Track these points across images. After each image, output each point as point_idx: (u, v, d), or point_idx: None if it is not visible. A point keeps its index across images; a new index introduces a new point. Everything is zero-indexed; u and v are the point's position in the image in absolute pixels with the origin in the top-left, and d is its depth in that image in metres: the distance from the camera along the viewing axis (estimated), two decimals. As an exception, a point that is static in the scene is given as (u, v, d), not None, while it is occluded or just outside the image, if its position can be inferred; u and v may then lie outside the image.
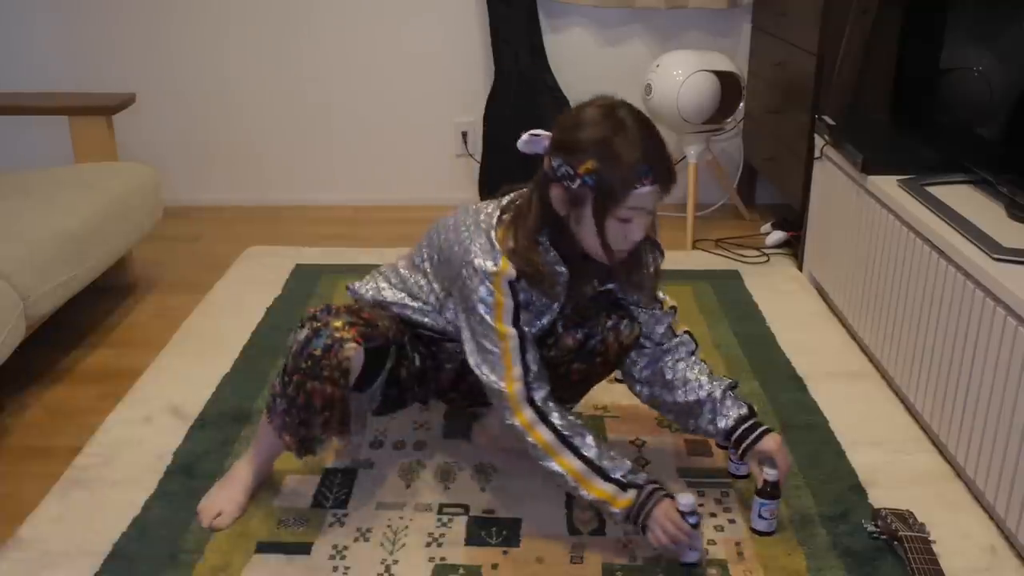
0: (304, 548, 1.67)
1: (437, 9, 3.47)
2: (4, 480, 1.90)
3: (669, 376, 1.77)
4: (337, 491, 1.83)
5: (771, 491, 1.67)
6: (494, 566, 1.62)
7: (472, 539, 1.69)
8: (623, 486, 1.58)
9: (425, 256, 1.75)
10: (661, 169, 1.51)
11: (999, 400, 1.67)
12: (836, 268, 2.59)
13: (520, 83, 3.40)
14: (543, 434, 1.60)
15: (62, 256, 2.27)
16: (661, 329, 1.79)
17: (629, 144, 1.49)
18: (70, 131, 2.83)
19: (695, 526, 1.57)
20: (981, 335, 1.74)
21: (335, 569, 1.62)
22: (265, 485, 1.83)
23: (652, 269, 1.73)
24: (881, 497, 1.79)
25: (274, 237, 3.31)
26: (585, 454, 1.59)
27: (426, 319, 1.76)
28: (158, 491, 1.82)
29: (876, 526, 1.66)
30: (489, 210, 1.65)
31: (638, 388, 1.83)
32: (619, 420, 2.09)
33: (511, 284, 1.59)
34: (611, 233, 1.55)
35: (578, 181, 1.51)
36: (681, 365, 1.77)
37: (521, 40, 3.37)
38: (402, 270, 1.80)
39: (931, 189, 2.14)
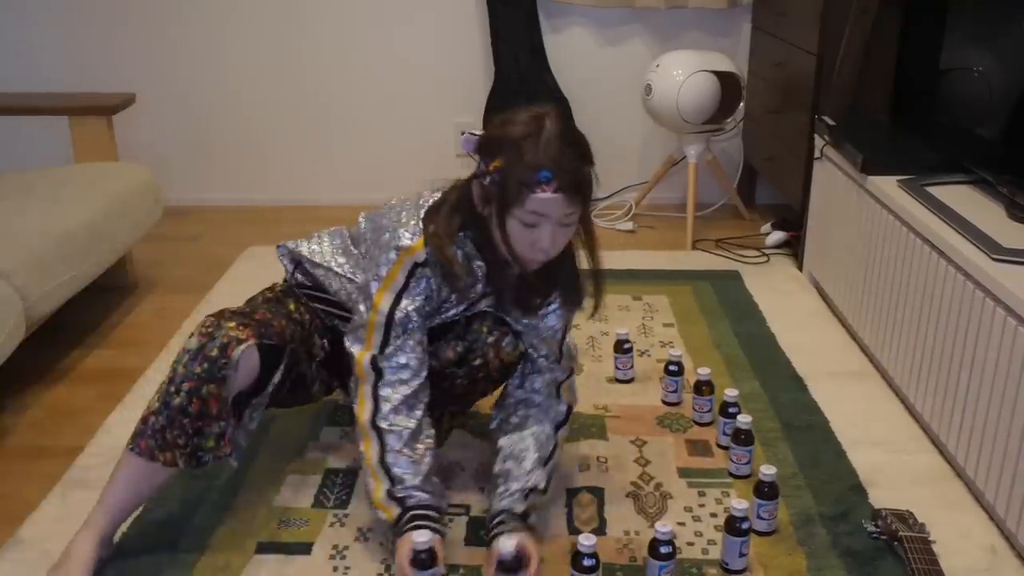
0: (304, 548, 1.67)
1: (437, 9, 3.48)
2: (4, 480, 1.90)
3: (515, 436, 1.71)
4: (338, 491, 1.83)
5: (769, 491, 1.67)
6: (494, 566, 1.62)
7: (472, 539, 1.69)
8: (393, 498, 1.57)
9: (365, 228, 1.76)
10: (566, 178, 1.48)
11: (999, 400, 1.67)
12: (836, 268, 2.59)
13: (520, 83, 3.40)
14: (365, 412, 1.60)
15: (62, 256, 2.27)
16: (541, 382, 1.75)
17: (538, 148, 1.48)
18: (70, 131, 2.83)
19: (669, 556, 1.52)
20: (981, 335, 1.74)
21: (335, 569, 1.62)
22: (264, 489, 1.83)
23: (558, 313, 1.74)
24: (881, 497, 1.79)
25: (274, 237, 3.29)
26: (386, 452, 1.58)
27: (343, 290, 1.76)
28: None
29: (876, 526, 1.66)
30: (429, 196, 1.66)
31: (494, 413, 1.79)
32: (619, 420, 2.09)
33: (416, 266, 1.59)
34: (516, 236, 1.53)
35: (488, 178, 1.52)
36: (528, 438, 1.69)
37: (521, 40, 3.37)
38: (348, 235, 1.82)
39: (931, 189, 2.14)
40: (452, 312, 1.71)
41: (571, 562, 1.51)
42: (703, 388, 2.05)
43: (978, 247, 1.81)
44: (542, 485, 1.67)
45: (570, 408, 1.77)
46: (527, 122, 1.51)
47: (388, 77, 3.56)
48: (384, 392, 1.60)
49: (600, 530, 1.71)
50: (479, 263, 1.64)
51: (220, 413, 1.55)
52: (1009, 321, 1.64)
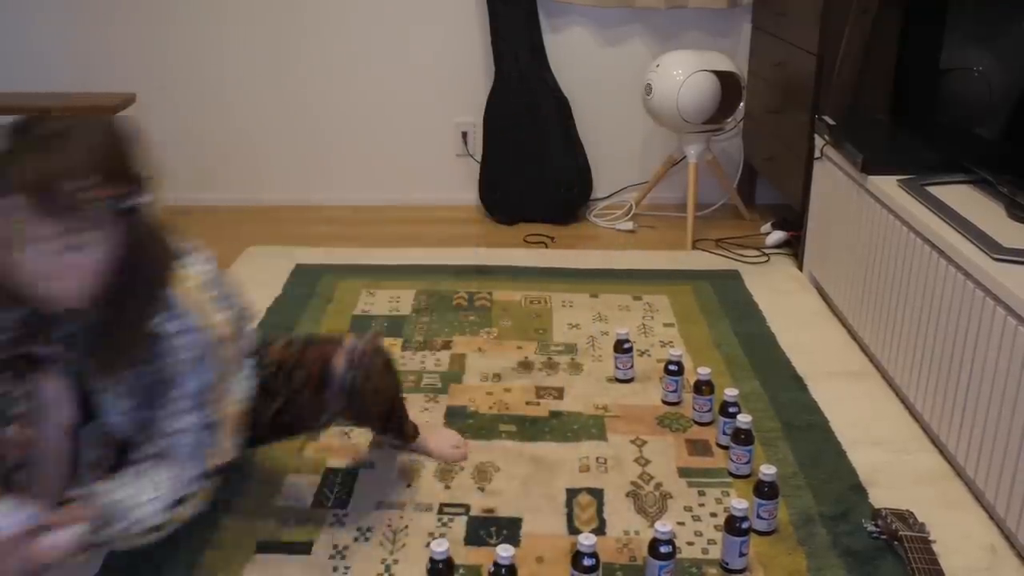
0: (304, 548, 1.67)
1: (437, 9, 3.47)
2: (4, 480, 1.90)
3: None
4: (338, 491, 1.83)
5: (769, 491, 1.67)
6: (494, 566, 1.62)
7: (472, 539, 1.70)
8: None
9: None
10: (20, 185, 1.20)
11: (999, 400, 1.67)
12: (836, 268, 2.59)
13: (520, 83, 3.40)
14: None
15: (62, 256, 2.26)
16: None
17: (12, 145, 1.25)
18: (70, 131, 2.83)
19: (669, 556, 1.52)
20: (981, 335, 1.74)
21: (335, 569, 1.62)
22: (264, 489, 1.83)
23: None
24: (881, 497, 1.79)
25: (274, 237, 3.31)
26: None
27: None
28: (158, 491, 1.82)
29: (876, 526, 1.66)
30: None
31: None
32: (619, 420, 2.09)
33: None
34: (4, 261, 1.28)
35: None
36: None
37: (521, 40, 3.37)
38: None
39: (931, 189, 2.14)
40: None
41: (571, 562, 1.51)
42: (703, 388, 2.05)
43: (978, 247, 1.81)
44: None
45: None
46: (41, 121, 1.29)
47: (388, 77, 3.56)
48: None
49: (600, 530, 1.72)
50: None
51: None
52: (1009, 321, 1.64)
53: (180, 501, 1.40)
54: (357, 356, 1.67)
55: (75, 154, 1.24)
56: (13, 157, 1.23)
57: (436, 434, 1.97)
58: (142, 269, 1.37)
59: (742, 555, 1.59)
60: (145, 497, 1.36)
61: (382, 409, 1.79)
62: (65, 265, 1.28)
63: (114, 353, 1.40)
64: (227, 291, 1.52)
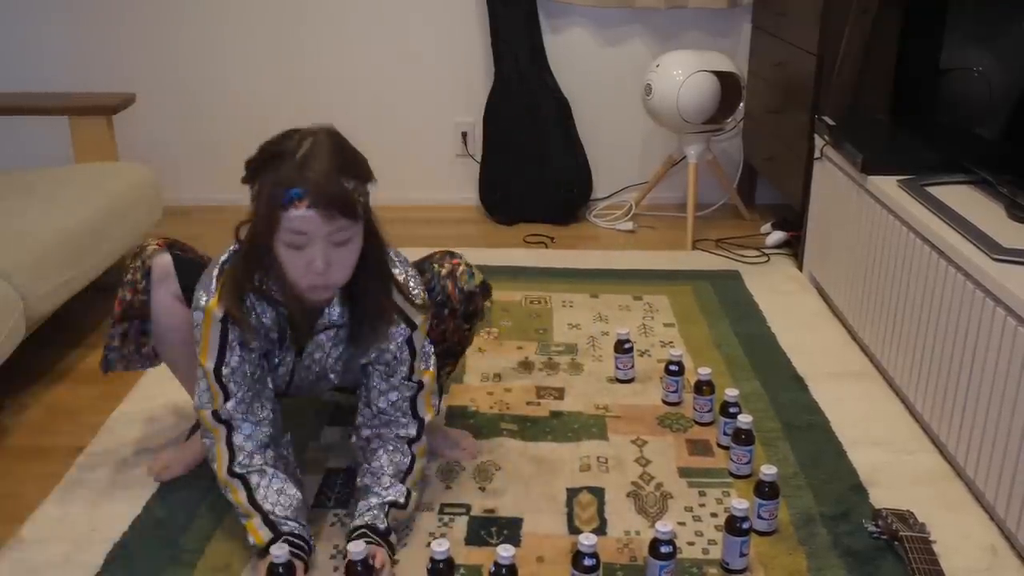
0: (305, 548, 1.67)
1: (437, 9, 3.48)
2: (4, 480, 1.90)
3: (369, 453, 1.69)
4: (339, 491, 1.83)
5: (770, 491, 1.67)
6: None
7: (472, 539, 1.70)
8: (267, 523, 1.56)
9: None
10: (320, 195, 1.43)
11: (999, 400, 1.67)
12: (836, 268, 2.59)
13: (520, 83, 3.40)
14: (222, 466, 1.60)
15: (62, 256, 2.27)
16: (392, 398, 1.67)
17: (291, 166, 1.46)
18: (70, 131, 2.83)
19: (669, 556, 1.52)
20: (981, 335, 1.74)
21: (335, 569, 1.62)
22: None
23: (396, 341, 1.64)
24: (882, 497, 1.79)
25: (274, 237, 3.30)
26: (254, 492, 1.58)
27: None
28: (159, 491, 1.82)
29: (877, 526, 1.67)
30: (232, 247, 1.63)
31: (351, 431, 1.74)
32: (620, 420, 2.09)
33: (222, 322, 1.56)
34: (288, 262, 1.49)
35: (252, 205, 1.52)
36: (382, 453, 1.67)
37: (521, 40, 3.37)
38: None
39: (931, 189, 2.14)
40: (282, 369, 1.68)
41: (572, 562, 1.51)
42: (703, 388, 2.05)
43: (978, 247, 1.81)
44: (401, 500, 1.65)
45: (422, 423, 1.70)
46: (286, 142, 1.51)
47: (388, 77, 3.56)
48: (237, 441, 1.60)
49: (601, 530, 1.72)
50: (266, 311, 1.60)
51: (122, 315, 1.74)
52: (1009, 321, 1.64)
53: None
54: (459, 273, 1.78)
55: (351, 167, 1.51)
56: (316, 172, 1.45)
57: (447, 432, 1.97)
58: (377, 260, 1.60)
59: (743, 555, 1.59)
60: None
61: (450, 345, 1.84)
62: (340, 257, 1.49)
63: (368, 333, 1.62)
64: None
